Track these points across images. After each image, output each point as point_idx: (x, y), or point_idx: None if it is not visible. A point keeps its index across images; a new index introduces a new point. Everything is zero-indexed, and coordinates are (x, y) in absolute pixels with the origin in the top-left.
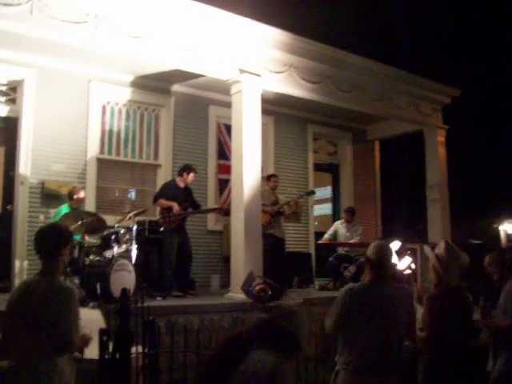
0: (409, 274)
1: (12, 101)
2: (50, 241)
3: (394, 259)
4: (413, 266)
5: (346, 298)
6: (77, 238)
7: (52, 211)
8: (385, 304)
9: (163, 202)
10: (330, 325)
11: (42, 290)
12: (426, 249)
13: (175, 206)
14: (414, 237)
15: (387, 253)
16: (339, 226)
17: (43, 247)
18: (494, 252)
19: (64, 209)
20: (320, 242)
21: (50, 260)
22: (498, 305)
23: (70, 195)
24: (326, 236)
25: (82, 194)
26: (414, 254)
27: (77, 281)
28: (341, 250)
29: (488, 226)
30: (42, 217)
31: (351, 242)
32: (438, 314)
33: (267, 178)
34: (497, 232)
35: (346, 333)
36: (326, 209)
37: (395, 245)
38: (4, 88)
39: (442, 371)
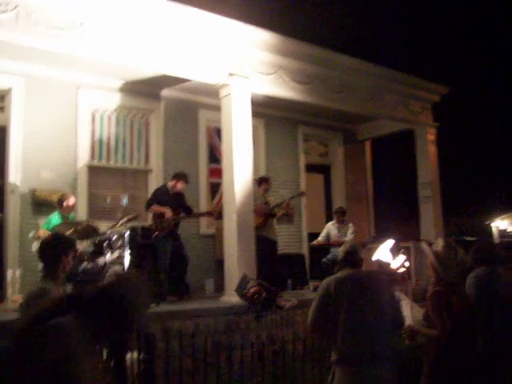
0: (403, 273)
1: (0, 109)
2: (51, 249)
3: (388, 257)
4: (407, 264)
5: (321, 292)
6: None
7: (43, 219)
8: (361, 289)
9: (156, 208)
10: (309, 322)
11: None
12: (424, 245)
13: (168, 212)
14: (408, 235)
15: (352, 247)
16: (331, 227)
17: (44, 255)
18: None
19: (55, 216)
20: (313, 243)
21: (50, 266)
22: None
23: (60, 202)
24: (320, 238)
25: (71, 201)
26: (407, 253)
27: (70, 288)
28: (334, 251)
29: (480, 223)
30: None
31: (343, 240)
32: (447, 311)
33: (259, 181)
34: (489, 229)
35: (328, 329)
36: None
37: (388, 243)
38: None
39: (455, 369)
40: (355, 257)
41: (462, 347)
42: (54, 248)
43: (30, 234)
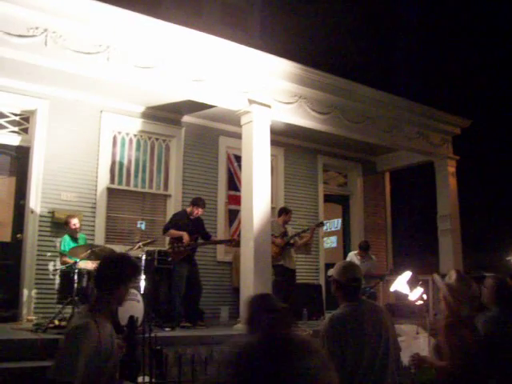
0: (420, 305)
1: (24, 130)
2: (112, 273)
3: (405, 289)
4: (424, 296)
5: (329, 330)
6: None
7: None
8: (369, 322)
9: (173, 232)
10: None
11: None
12: (436, 277)
13: (185, 236)
14: (426, 268)
15: (354, 271)
16: (354, 257)
17: (100, 279)
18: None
19: (66, 238)
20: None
21: (104, 293)
22: None
23: (65, 223)
24: None
25: (72, 222)
26: (425, 285)
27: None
28: None
29: (500, 258)
30: (54, 243)
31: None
32: (458, 344)
33: (280, 211)
34: (509, 264)
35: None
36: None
37: (406, 275)
38: (17, 118)
39: None
40: (359, 284)
41: (472, 381)
42: (118, 272)
43: (55, 267)
